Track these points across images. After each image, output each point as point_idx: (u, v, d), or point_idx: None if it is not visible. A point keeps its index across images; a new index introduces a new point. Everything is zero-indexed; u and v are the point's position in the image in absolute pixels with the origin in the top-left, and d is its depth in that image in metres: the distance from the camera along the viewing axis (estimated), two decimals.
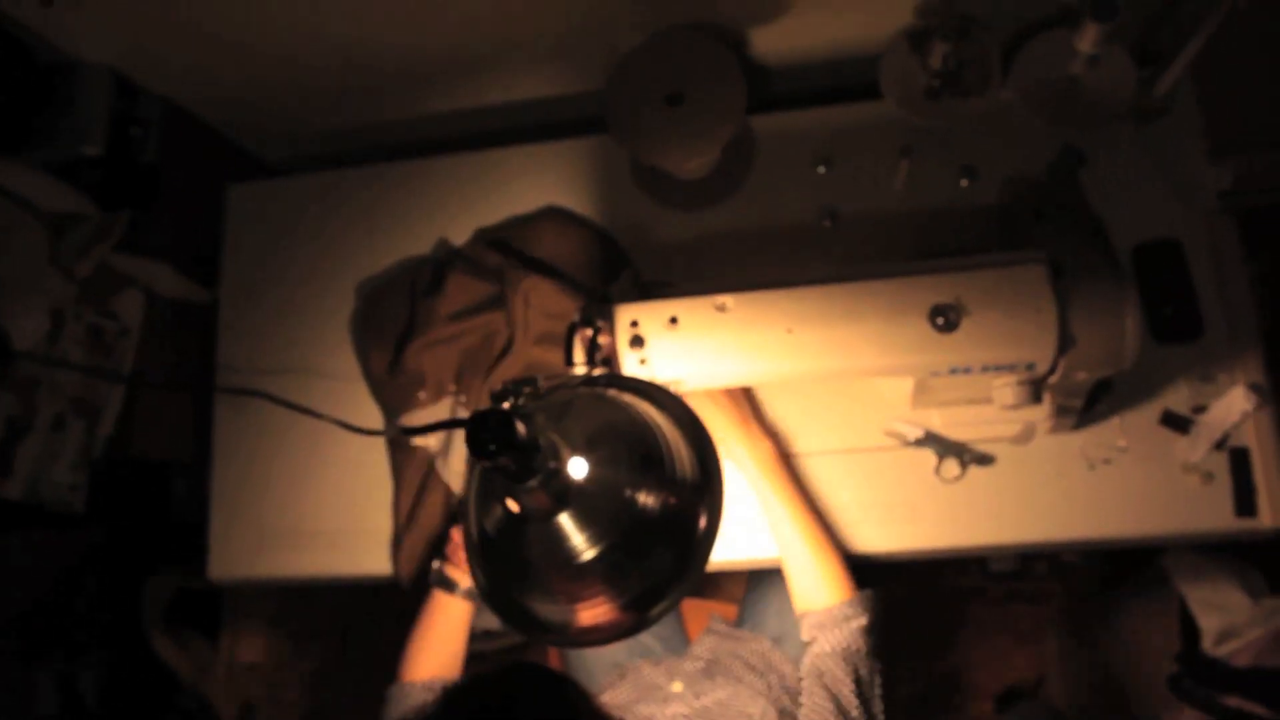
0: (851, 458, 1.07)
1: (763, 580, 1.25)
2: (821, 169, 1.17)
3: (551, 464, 0.65)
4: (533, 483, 0.64)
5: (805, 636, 0.96)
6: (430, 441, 1.13)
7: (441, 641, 1.05)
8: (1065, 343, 0.84)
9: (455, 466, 1.12)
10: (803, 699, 0.91)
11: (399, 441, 1.15)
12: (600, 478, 0.68)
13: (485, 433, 0.60)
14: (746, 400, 1.07)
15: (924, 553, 1.05)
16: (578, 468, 0.67)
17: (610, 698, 1.14)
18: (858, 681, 0.90)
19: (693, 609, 1.35)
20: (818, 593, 0.97)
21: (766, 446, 1.03)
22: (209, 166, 1.32)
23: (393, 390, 1.15)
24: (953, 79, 1.09)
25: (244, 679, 1.79)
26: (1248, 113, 1.26)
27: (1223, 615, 1.35)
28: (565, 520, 0.66)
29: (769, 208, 1.17)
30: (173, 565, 1.65)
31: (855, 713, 0.88)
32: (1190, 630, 1.42)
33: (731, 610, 1.32)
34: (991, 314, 0.84)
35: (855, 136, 1.17)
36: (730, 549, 1.08)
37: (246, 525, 1.19)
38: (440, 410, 1.14)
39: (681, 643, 1.27)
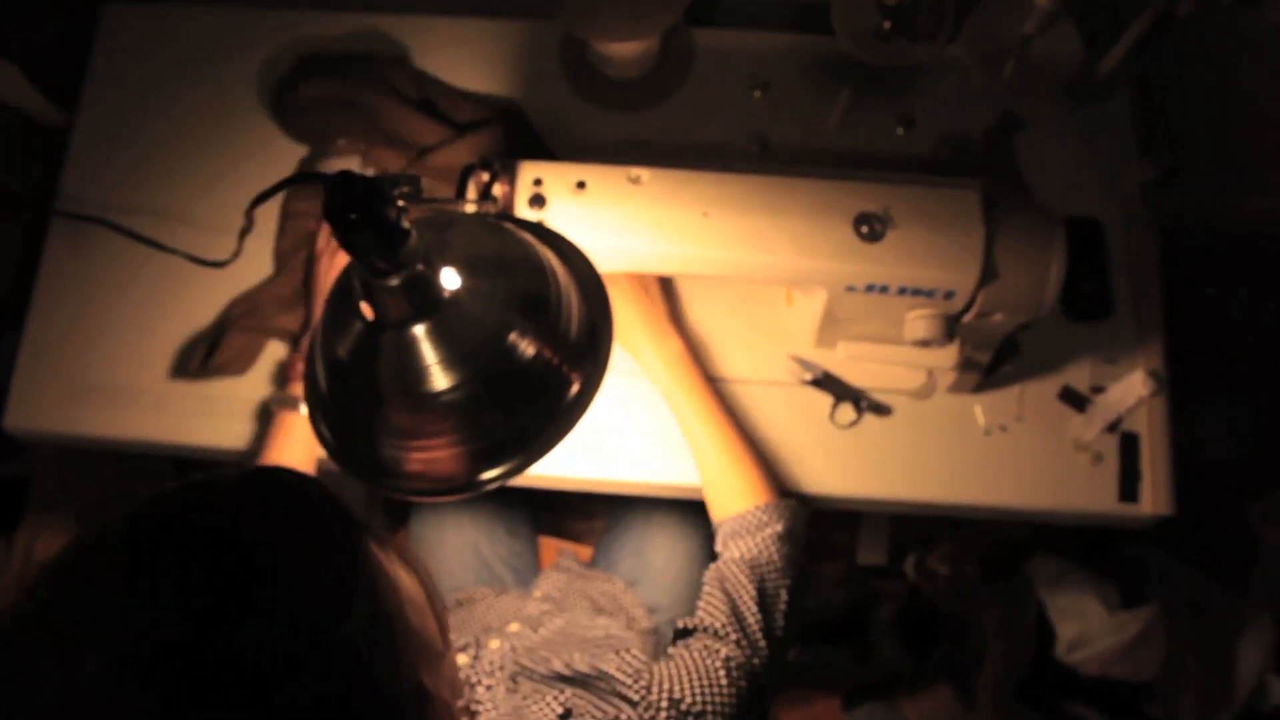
0: (746, 389, 1.01)
1: (621, 519, 1.17)
2: (758, 94, 1.11)
3: (420, 266, 0.56)
4: (394, 280, 0.55)
5: (718, 548, 0.88)
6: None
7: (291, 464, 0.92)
8: (988, 274, 0.80)
9: None
10: (699, 600, 0.82)
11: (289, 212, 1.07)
12: (473, 300, 0.58)
13: (348, 197, 0.51)
14: (661, 293, 0.97)
15: (806, 498, 0.99)
16: (449, 278, 0.58)
17: None
18: (761, 592, 0.81)
19: (549, 548, 1.26)
20: (731, 500, 0.89)
21: (676, 344, 0.94)
22: None
23: (312, 119, 1.09)
24: (905, 20, 1.05)
25: None
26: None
27: (1078, 623, 1.35)
28: (422, 333, 0.56)
29: (697, 122, 1.10)
30: None
31: (752, 621, 0.79)
32: (1045, 638, 1.42)
33: (587, 552, 1.24)
34: (918, 230, 0.79)
35: (797, 67, 1.12)
36: (601, 467, 1.00)
37: (61, 372, 1.04)
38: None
39: (533, 578, 1.18)
